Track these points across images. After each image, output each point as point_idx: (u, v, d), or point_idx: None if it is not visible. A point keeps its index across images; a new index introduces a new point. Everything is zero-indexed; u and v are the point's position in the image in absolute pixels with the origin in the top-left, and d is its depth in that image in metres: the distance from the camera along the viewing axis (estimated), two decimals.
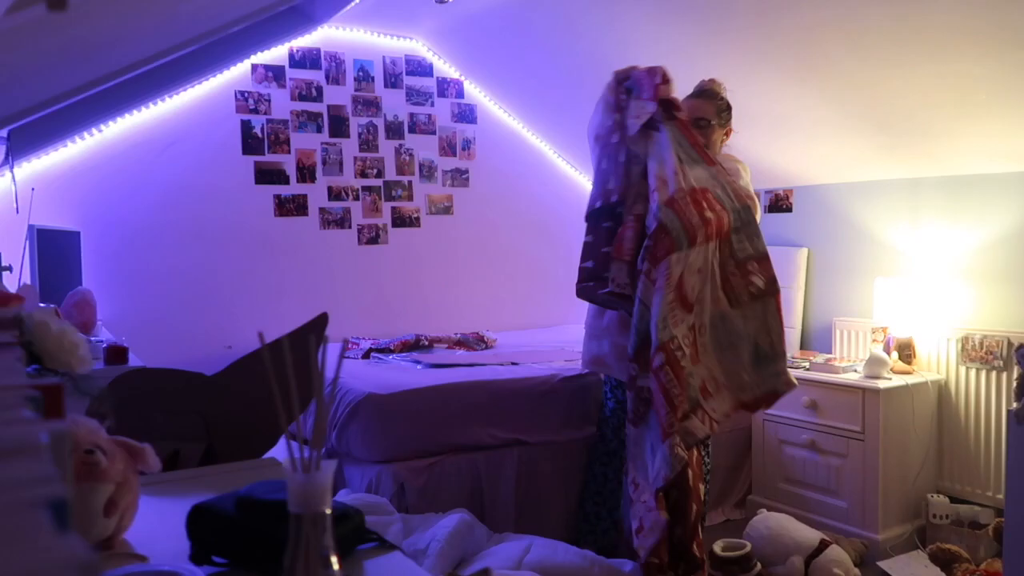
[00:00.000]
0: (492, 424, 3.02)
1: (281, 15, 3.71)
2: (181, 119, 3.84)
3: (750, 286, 2.46)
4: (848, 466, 3.12)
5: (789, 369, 2.55)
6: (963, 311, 3.23)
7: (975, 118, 2.89)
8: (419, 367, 3.40)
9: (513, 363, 3.45)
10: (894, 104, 3.03)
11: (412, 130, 4.47)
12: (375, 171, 4.37)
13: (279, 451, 1.11)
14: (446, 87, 4.58)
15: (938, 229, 3.32)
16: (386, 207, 4.40)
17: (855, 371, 3.25)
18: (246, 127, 4.01)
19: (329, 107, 4.22)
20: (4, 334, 0.91)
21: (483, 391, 3.05)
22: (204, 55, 3.53)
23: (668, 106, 2.45)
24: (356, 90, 4.30)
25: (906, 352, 3.30)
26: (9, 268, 2.94)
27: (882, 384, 3.08)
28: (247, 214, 4.01)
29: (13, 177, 3.24)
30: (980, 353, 3.14)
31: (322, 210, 4.21)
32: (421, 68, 4.50)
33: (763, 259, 2.49)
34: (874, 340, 3.38)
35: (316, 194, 4.19)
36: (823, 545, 2.77)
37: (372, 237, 4.36)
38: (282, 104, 4.09)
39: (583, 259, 2.57)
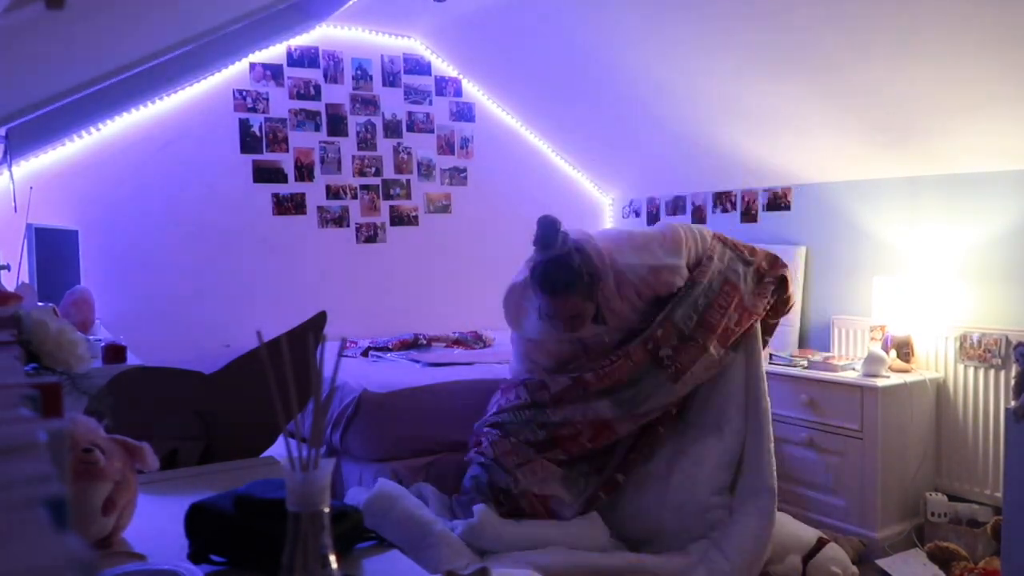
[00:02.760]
0: None
1: (279, 14, 3.70)
2: (179, 117, 3.84)
3: None
4: (846, 464, 3.12)
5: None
6: (961, 309, 3.23)
7: (973, 117, 2.89)
8: (417, 366, 3.40)
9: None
10: (893, 102, 3.03)
11: (410, 129, 4.47)
12: (373, 170, 4.36)
13: (277, 450, 1.11)
14: (444, 86, 4.58)
15: (937, 227, 3.32)
16: (384, 206, 4.40)
17: (853, 369, 3.25)
18: (244, 126, 4.00)
19: (327, 106, 4.22)
20: (2, 333, 0.91)
21: (481, 390, 3.05)
22: (202, 53, 3.52)
23: None
24: (354, 89, 4.30)
25: (904, 350, 3.30)
26: (7, 267, 2.94)
27: (880, 382, 3.08)
28: (245, 212, 4.01)
29: (11, 176, 3.24)
30: (978, 351, 3.14)
31: (320, 209, 4.21)
32: (419, 67, 4.49)
33: None
34: (872, 338, 3.38)
35: (314, 193, 4.19)
36: (821, 543, 2.77)
37: (370, 236, 4.36)
38: (280, 103, 4.09)
39: None
